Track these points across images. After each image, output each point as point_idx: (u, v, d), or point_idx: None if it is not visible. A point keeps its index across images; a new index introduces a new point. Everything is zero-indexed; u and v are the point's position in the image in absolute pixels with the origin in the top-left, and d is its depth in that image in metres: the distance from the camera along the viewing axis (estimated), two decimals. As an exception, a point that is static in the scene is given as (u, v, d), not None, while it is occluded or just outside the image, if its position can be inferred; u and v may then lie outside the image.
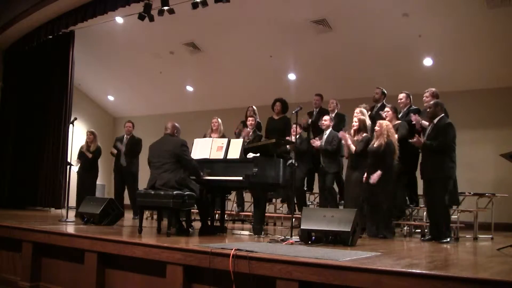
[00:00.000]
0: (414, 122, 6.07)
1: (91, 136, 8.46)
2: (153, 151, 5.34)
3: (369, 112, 6.94)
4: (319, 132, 7.31)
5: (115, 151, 8.43)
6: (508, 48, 8.18)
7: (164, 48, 10.82)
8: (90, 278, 4.45)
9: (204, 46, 10.53)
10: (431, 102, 5.76)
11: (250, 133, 7.46)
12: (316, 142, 6.92)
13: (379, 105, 7.16)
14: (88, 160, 8.36)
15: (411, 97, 6.85)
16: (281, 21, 9.08)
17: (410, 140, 5.76)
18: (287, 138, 7.12)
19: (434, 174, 5.53)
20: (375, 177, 5.77)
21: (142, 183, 6.42)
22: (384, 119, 6.30)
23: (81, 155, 8.42)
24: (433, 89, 6.33)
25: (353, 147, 6.13)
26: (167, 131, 5.39)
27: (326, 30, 9.05)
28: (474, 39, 8.23)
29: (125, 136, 8.47)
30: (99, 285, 4.42)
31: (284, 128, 7.55)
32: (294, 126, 7.08)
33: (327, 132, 6.97)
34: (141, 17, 8.36)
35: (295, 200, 7.37)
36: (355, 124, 6.27)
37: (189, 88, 12.44)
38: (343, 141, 6.40)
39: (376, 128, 5.94)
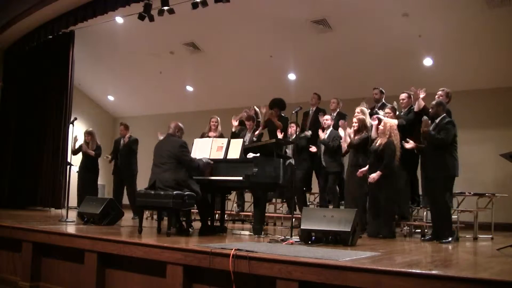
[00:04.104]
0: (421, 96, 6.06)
1: (89, 137, 8.49)
2: (156, 151, 5.38)
3: (369, 111, 6.96)
4: (317, 131, 7.31)
5: (109, 158, 8.49)
6: (508, 48, 8.17)
7: (164, 48, 10.82)
8: (90, 278, 4.45)
9: (204, 46, 10.52)
10: (433, 102, 5.79)
11: (257, 132, 7.46)
12: (321, 135, 6.92)
13: (379, 104, 7.18)
14: (90, 159, 8.36)
15: (412, 97, 6.85)
16: (281, 21, 9.07)
17: (406, 146, 5.80)
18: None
19: (436, 172, 5.53)
20: (374, 176, 5.78)
21: (142, 183, 6.42)
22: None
23: (81, 151, 8.41)
24: (448, 89, 6.34)
25: (348, 139, 6.15)
26: (169, 131, 5.44)
27: (326, 30, 9.05)
28: (474, 39, 8.22)
29: (121, 138, 8.52)
30: (99, 285, 4.42)
31: (284, 128, 7.56)
32: (292, 124, 7.12)
33: (328, 131, 6.99)
34: (141, 17, 8.35)
35: (295, 200, 7.38)
36: (355, 124, 6.28)
37: (189, 88, 12.43)
38: (341, 131, 6.40)
39: (380, 127, 5.95)
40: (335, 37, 9.12)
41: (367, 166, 6.00)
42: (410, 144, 5.87)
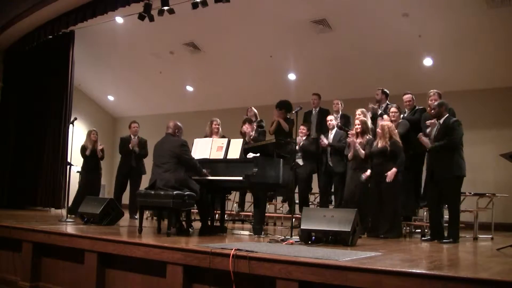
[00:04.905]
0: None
1: (96, 136, 8.44)
2: (156, 150, 5.38)
3: (379, 111, 6.93)
4: (323, 132, 7.29)
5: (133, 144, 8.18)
6: (508, 48, 8.17)
7: (164, 48, 10.82)
8: (90, 278, 4.45)
9: (204, 46, 10.52)
10: (435, 103, 5.78)
11: (253, 131, 7.43)
12: (324, 140, 6.90)
13: (383, 105, 7.12)
14: (94, 160, 8.30)
15: (414, 97, 6.86)
16: (281, 21, 9.07)
17: (419, 136, 5.76)
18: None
19: (444, 174, 5.48)
20: (390, 174, 5.77)
21: (145, 185, 6.42)
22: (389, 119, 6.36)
23: (87, 154, 8.35)
24: (437, 90, 6.34)
25: (362, 152, 6.08)
26: (169, 130, 5.41)
27: (326, 30, 9.05)
28: (474, 39, 8.22)
29: (132, 136, 8.30)
30: (99, 285, 4.42)
31: (291, 130, 7.57)
32: (302, 126, 7.13)
33: (333, 131, 6.98)
34: (141, 17, 8.36)
35: (296, 200, 7.37)
36: (358, 127, 6.26)
37: (189, 88, 12.43)
38: (351, 145, 6.36)
39: (378, 130, 5.96)
40: (335, 37, 9.12)
41: (368, 171, 5.99)
42: (426, 139, 5.69)
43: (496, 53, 8.37)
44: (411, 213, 6.52)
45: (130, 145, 8.15)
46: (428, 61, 9.09)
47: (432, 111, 5.78)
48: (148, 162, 6.06)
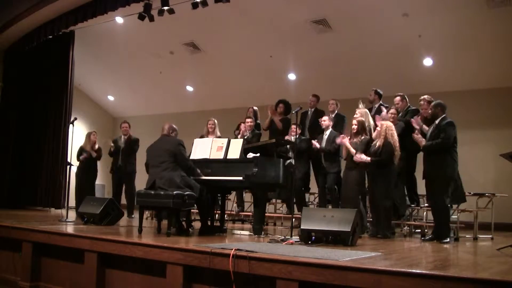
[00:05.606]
0: (415, 126, 6.03)
1: (96, 136, 8.62)
2: (151, 152, 5.40)
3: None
4: (317, 132, 7.29)
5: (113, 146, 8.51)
6: (508, 48, 8.18)
7: (164, 48, 10.83)
8: (90, 278, 4.45)
9: (204, 46, 10.53)
10: (432, 103, 5.78)
11: (249, 132, 7.45)
12: (316, 145, 6.89)
13: (376, 106, 7.12)
14: (89, 160, 8.45)
15: (407, 98, 6.86)
16: (281, 21, 9.08)
17: (413, 135, 5.79)
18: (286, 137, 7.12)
19: (436, 174, 5.52)
20: (361, 156, 5.78)
21: (140, 183, 6.42)
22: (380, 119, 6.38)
23: (83, 153, 8.48)
24: (426, 96, 6.38)
25: (353, 151, 6.05)
26: (164, 132, 5.48)
27: (326, 30, 9.05)
28: (474, 39, 8.23)
29: (122, 136, 8.52)
30: (99, 285, 4.42)
31: (285, 129, 7.55)
32: (293, 126, 7.09)
33: (327, 132, 6.96)
34: (141, 17, 8.36)
35: (294, 200, 7.37)
36: (354, 127, 6.24)
37: (189, 88, 12.44)
38: (341, 144, 6.38)
39: (378, 128, 5.96)
40: (335, 37, 9.12)
41: (363, 155, 5.95)
42: (419, 137, 5.73)
43: (496, 53, 8.37)
44: (403, 212, 6.52)
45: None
46: (428, 61, 9.09)
47: (429, 111, 5.80)
48: (142, 162, 6.07)
